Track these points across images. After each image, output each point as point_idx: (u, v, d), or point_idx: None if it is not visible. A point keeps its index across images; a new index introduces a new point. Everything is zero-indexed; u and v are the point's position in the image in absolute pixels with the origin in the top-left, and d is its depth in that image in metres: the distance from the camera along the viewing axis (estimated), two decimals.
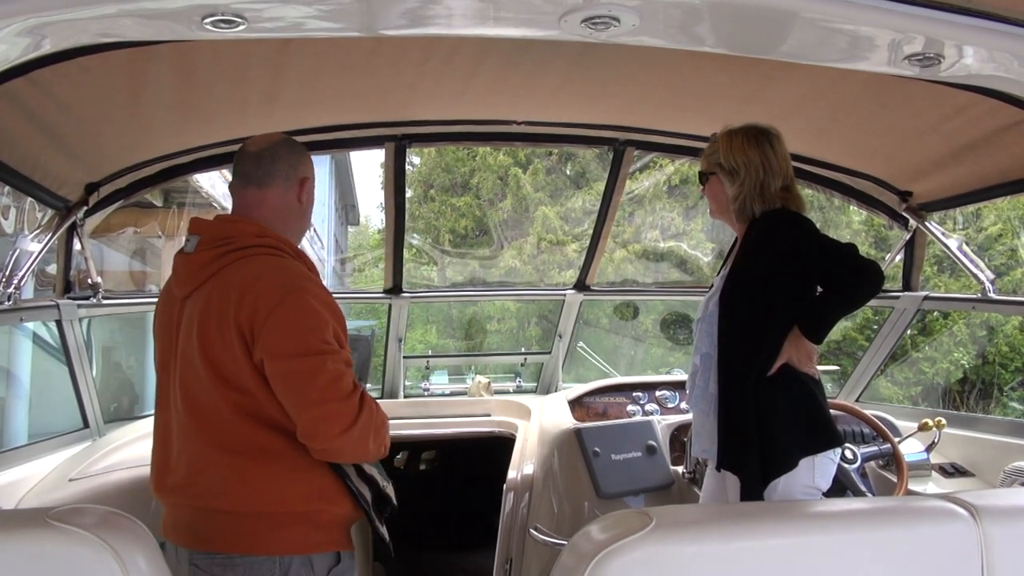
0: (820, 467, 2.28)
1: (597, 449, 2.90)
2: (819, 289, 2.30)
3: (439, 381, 5.21)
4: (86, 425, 3.14)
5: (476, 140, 3.20)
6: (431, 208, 14.11)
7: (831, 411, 2.94)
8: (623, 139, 3.29)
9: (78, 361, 2.91)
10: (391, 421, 2.92)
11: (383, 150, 3.18)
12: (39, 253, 2.51)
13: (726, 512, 1.61)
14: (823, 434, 2.29)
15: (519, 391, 4.61)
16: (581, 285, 4.04)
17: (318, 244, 14.50)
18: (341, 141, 3.06)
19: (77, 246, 2.75)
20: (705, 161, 2.47)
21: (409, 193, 15.31)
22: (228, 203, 7.18)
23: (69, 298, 2.78)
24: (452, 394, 4.48)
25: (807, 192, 3.33)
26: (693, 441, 2.57)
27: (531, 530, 2.83)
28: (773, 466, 2.24)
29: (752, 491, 2.25)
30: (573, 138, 3.26)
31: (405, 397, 4.29)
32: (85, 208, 2.67)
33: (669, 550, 1.39)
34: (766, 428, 2.25)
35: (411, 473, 4.42)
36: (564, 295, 4.09)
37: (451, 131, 3.12)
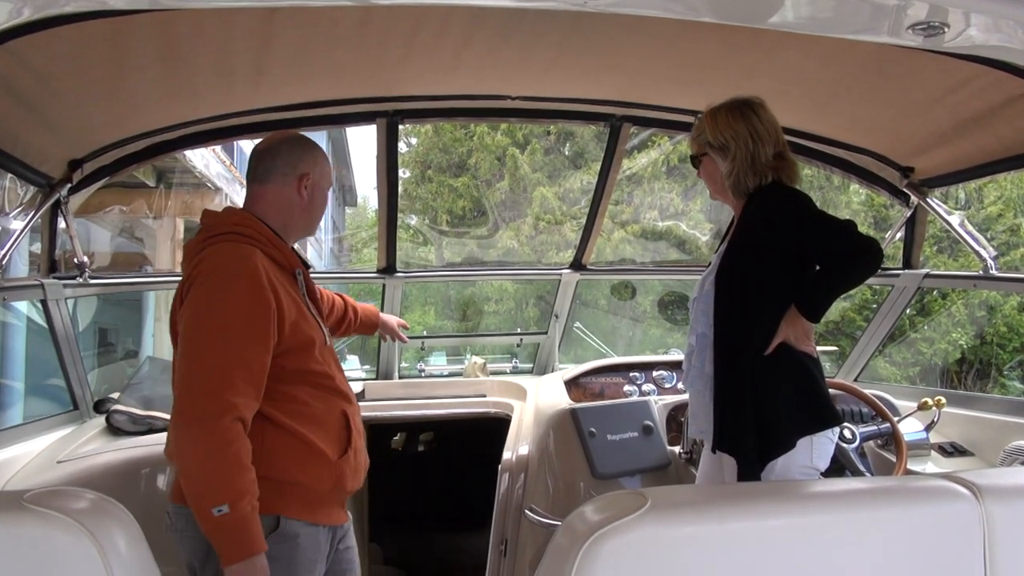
0: (818, 447, 2.25)
1: (593, 429, 2.87)
2: (817, 268, 2.26)
3: (437, 362, 5.18)
4: (76, 407, 3.11)
5: (470, 116, 3.14)
6: (428, 189, 14.02)
7: (829, 390, 2.94)
8: (620, 115, 3.23)
9: (65, 342, 2.86)
10: (385, 402, 2.86)
11: (375, 127, 3.11)
12: (21, 232, 2.45)
13: (722, 492, 1.58)
14: (821, 413, 2.25)
15: (516, 372, 4.58)
16: (577, 264, 3.99)
17: None
18: (332, 117, 3.00)
19: (62, 224, 2.69)
20: (694, 144, 2.44)
21: (407, 174, 15.21)
22: (221, 183, 7.14)
23: (55, 278, 2.73)
24: (450, 375, 4.45)
25: (807, 172, 3.28)
26: (689, 422, 2.54)
27: (526, 511, 2.81)
28: (770, 446, 2.21)
29: (749, 472, 2.22)
30: (569, 114, 3.20)
31: (400, 378, 4.26)
32: (69, 185, 2.61)
33: (664, 531, 1.35)
34: (763, 408, 2.22)
35: (409, 454, 4.40)
36: (560, 275, 4.04)
37: (444, 107, 3.05)
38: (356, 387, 3.78)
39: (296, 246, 2.14)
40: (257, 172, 2.00)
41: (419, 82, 2.86)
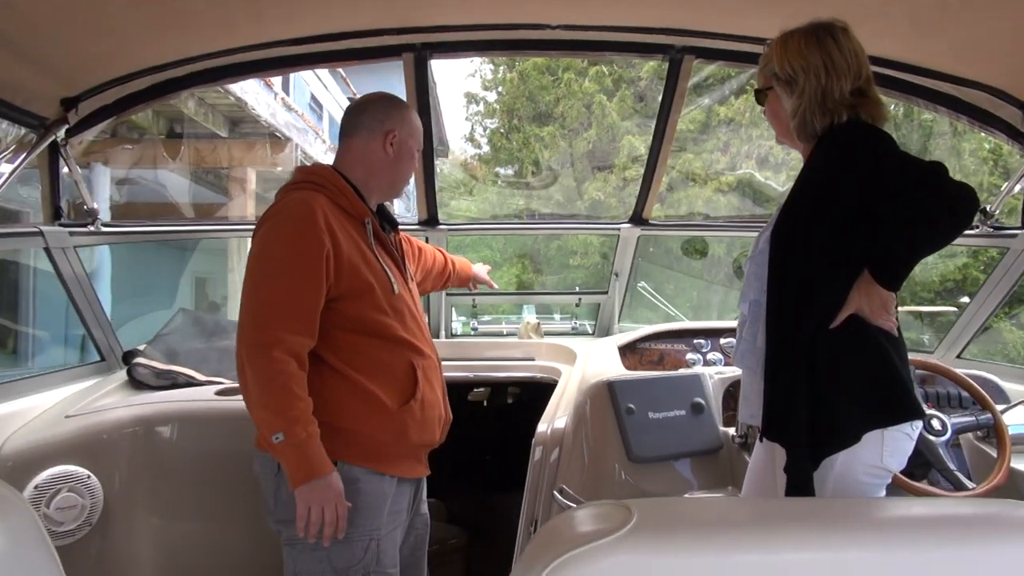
0: (891, 444, 1.85)
1: (631, 406, 2.53)
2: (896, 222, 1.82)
3: (494, 321, 4.95)
4: (102, 358, 3.03)
5: (505, 49, 2.79)
6: (516, 139, 13.68)
7: (917, 371, 2.48)
8: (680, 45, 2.79)
9: (78, 291, 2.76)
10: None
11: (403, 62, 2.81)
12: (9, 175, 2.31)
13: (733, 510, 1.24)
14: (897, 403, 1.85)
15: (576, 333, 4.28)
16: (637, 218, 3.60)
17: None
18: (352, 52, 2.71)
19: (65, 169, 2.55)
20: (760, 75, 2.05)
21: (495, 123, 14.93)
22: (291, 133, 7.06)
23: (60, 225, 2.62)
24: (509, 335, 4.20)
25: (925, 117, 2.74)
26: (741, 404, 2.17)
27: (555, 492, 2.53)
28: (828, 439, 1.83)
29: (799, 468, 1.84)
30: (619, 45, 2.78)
31: (450, 337, 4.04)
32: (66, 126, 2.46)
33: (647, 561, 1.05)
34: (822, 393, 1.84)
35: (479, 410, 4.25)
36: (619, 229, 3.66)
37: (476, 38, 2.72)
38: None
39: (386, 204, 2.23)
40: (346, 127, 2.09)
41: (448, 10, 2.54)
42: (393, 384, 1.96)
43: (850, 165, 1.84)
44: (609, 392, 2.57)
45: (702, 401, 2.63)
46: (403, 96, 2.58)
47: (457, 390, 4.03)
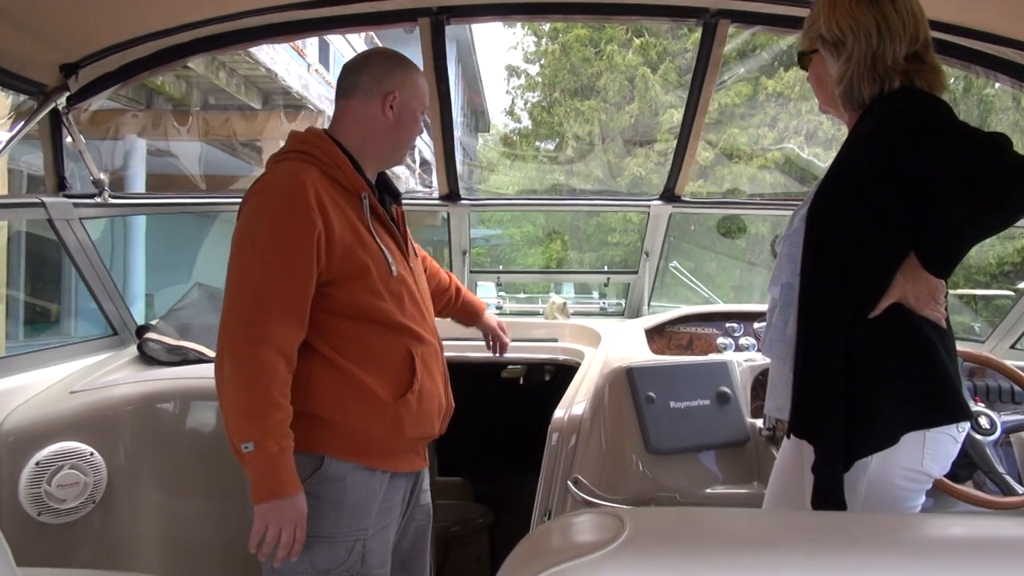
0: (933, 446, 1.68)
1: (651, 394, 2.38)
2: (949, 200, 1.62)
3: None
4: (115, 332, 2.99)
5: (528, 13, 2.63)
6: (557, 113, 13.46)
7: (966, 363, 2.28)
8: (715, 9, 2.59)
9: (86, 264, 2.70)
10: (446, 342, 2.56)
11: (418, 28, 2.66)
12: (7, 143, 2.25)
13: (742, 525, 1.09)
14: (942, 403, 1.67)
15: (603, 313, 4.13)
16: (669, 195, 3.41)
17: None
18: (364, 16, 2.57)
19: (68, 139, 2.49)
20: (805, 37, 1.87)
21: (536, 97, 14.71)
22: (323, 104, 6.99)
23: (65, 196, 2.55)
24: (538, 314, 4.07)
25: (987, 92, 2.50)
26: (768, 395, 2.02)
27: (569, 483, 2.41)
28: (862, 440, 1.66)
29: (829, 470, 1.68)
30: (649, 9, 2.60)
31: None
32: (67, 94, 2.38)
33: None
34: (858, 388, 1.67)
35: (507, 389, 4.16)
36: (649, 206, 3.48)
37: (495, 1, 2.56)
38: None
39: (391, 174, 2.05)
40: (343, 86, 1.90)
41: None
42: (389, 374, 1.81)
43: (900, 134, 1.65)
44: (628, 379, 2.42)
45: (728, 390, 2.47)
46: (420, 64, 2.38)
47: (489, 368, 3.95)
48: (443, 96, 2.89)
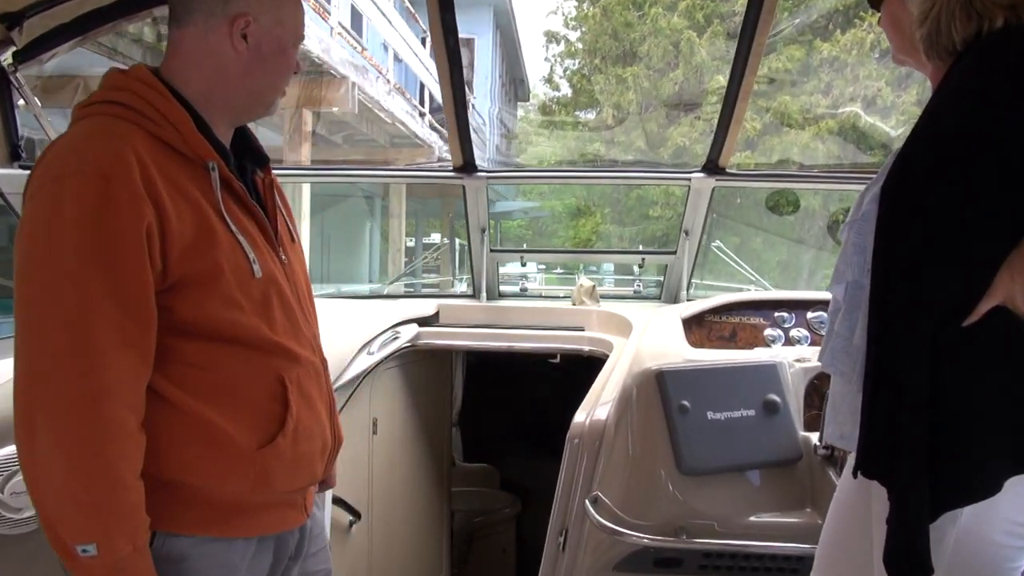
0: None
1: (686, 402, 2.03)
2: None
3: (542, 282, 4.57)
4: None
5: None
6: (598, 81, 13.00)
7: None
8: None
9: None
10: (457, 329, 2.17)
11: None
12: None
13: None
14: None
15: (637, 296, 3.78)
16: (712, 166, 3.02)
17: (480, 119, 13.99)
18: None
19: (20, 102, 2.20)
20: None
21: (576, 64, 14.26)
22: (347, 70, 6.59)
23: (20, 166, 2.28)
24: (565, 296, 3.77)
25: None
26: (828, 417, 1.66)
27: (587, 502, 2.08)
28: (953, 486, 1.31)
29: (911, 521, 1.32)
30: None
31: (495, 299, 3.61)
32: (13, 48, 2.09)
33: None
34: (947, 418, 1.31)
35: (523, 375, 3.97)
36: (689, 179, 3.09)
37: None
38: (429, 308, 3.19)
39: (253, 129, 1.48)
40: (176, 12, 1.34)
41: None
42: (250, 413, 1.33)
43: (1006, 90, 1.27)
44: (658, 384, 2.07)
45: (777, 399, 2.10)
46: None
47: (518, 355, 3.71)
48: (451, 52, 2.55)
